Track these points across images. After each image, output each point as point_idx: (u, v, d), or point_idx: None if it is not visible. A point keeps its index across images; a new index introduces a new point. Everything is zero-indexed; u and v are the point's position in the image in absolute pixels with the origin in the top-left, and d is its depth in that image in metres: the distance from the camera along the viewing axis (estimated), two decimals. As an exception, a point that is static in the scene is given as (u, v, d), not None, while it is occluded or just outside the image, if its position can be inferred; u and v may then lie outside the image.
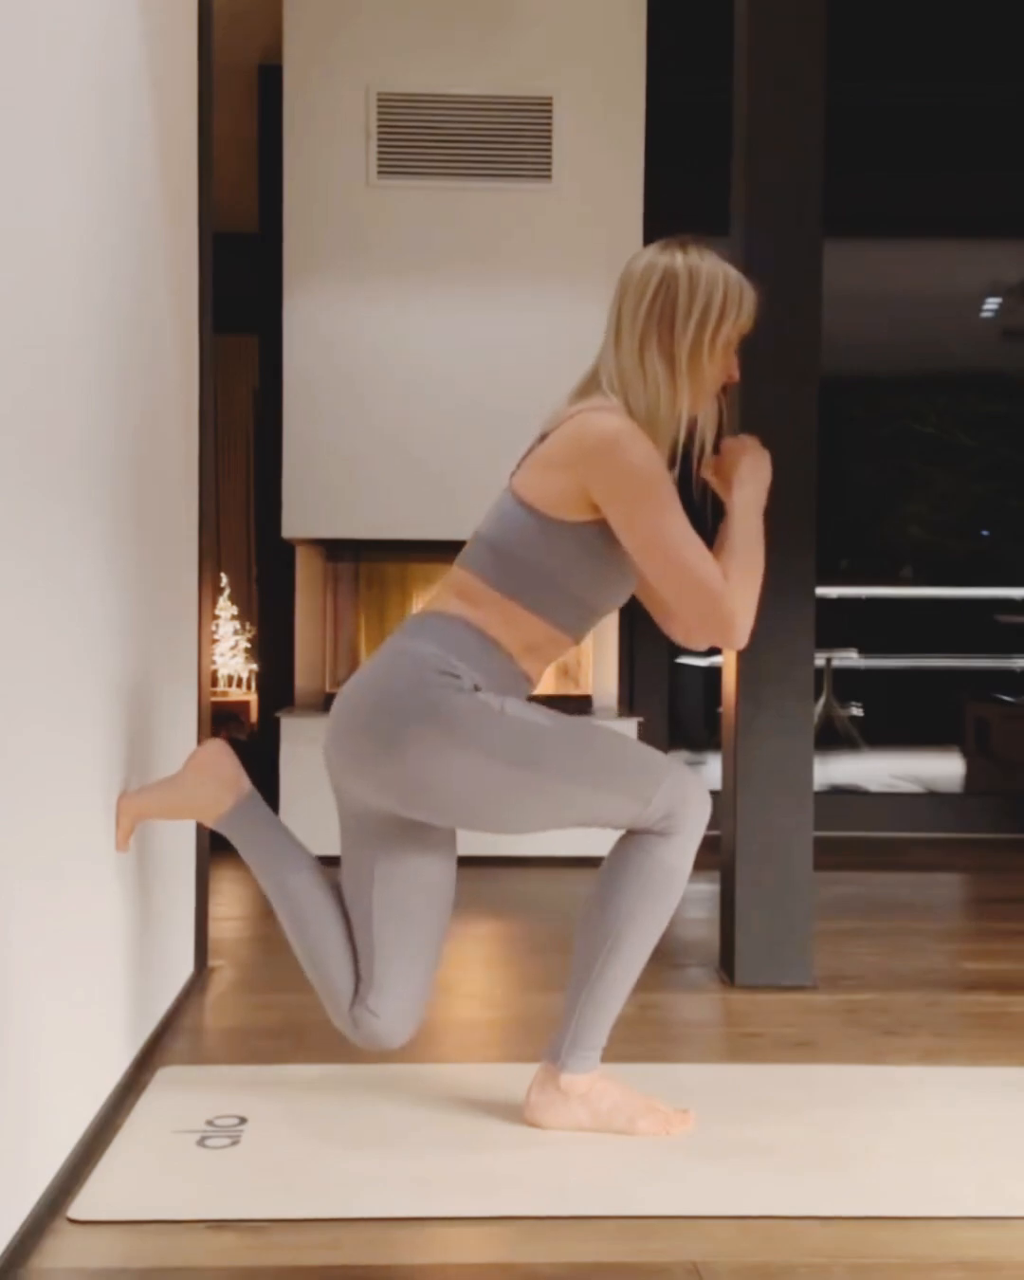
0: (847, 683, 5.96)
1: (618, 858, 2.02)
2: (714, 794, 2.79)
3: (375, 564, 4.52)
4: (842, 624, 5.76)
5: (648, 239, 3.86)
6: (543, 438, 2.03)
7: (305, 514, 4.31)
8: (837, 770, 5.70)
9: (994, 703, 5.74)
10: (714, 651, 3.94)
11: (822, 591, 2.90)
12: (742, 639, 1.96)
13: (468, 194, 4.30)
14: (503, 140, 4.28)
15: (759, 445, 2.11)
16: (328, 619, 4.54)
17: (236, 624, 6.79)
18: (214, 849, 3.07)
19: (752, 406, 2.85)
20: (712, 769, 5.35)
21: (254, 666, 6.20)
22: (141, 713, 2.29)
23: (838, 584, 5.73)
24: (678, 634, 2.19)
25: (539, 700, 2.13)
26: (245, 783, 2.16)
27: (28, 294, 1.61)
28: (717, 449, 2.11)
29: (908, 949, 3.23)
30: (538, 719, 1.97)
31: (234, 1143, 1.95)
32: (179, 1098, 2.13)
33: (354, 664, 4.52)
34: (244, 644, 6.73)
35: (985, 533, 6.12)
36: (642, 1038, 2.49)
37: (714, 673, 5.16)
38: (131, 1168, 1.86)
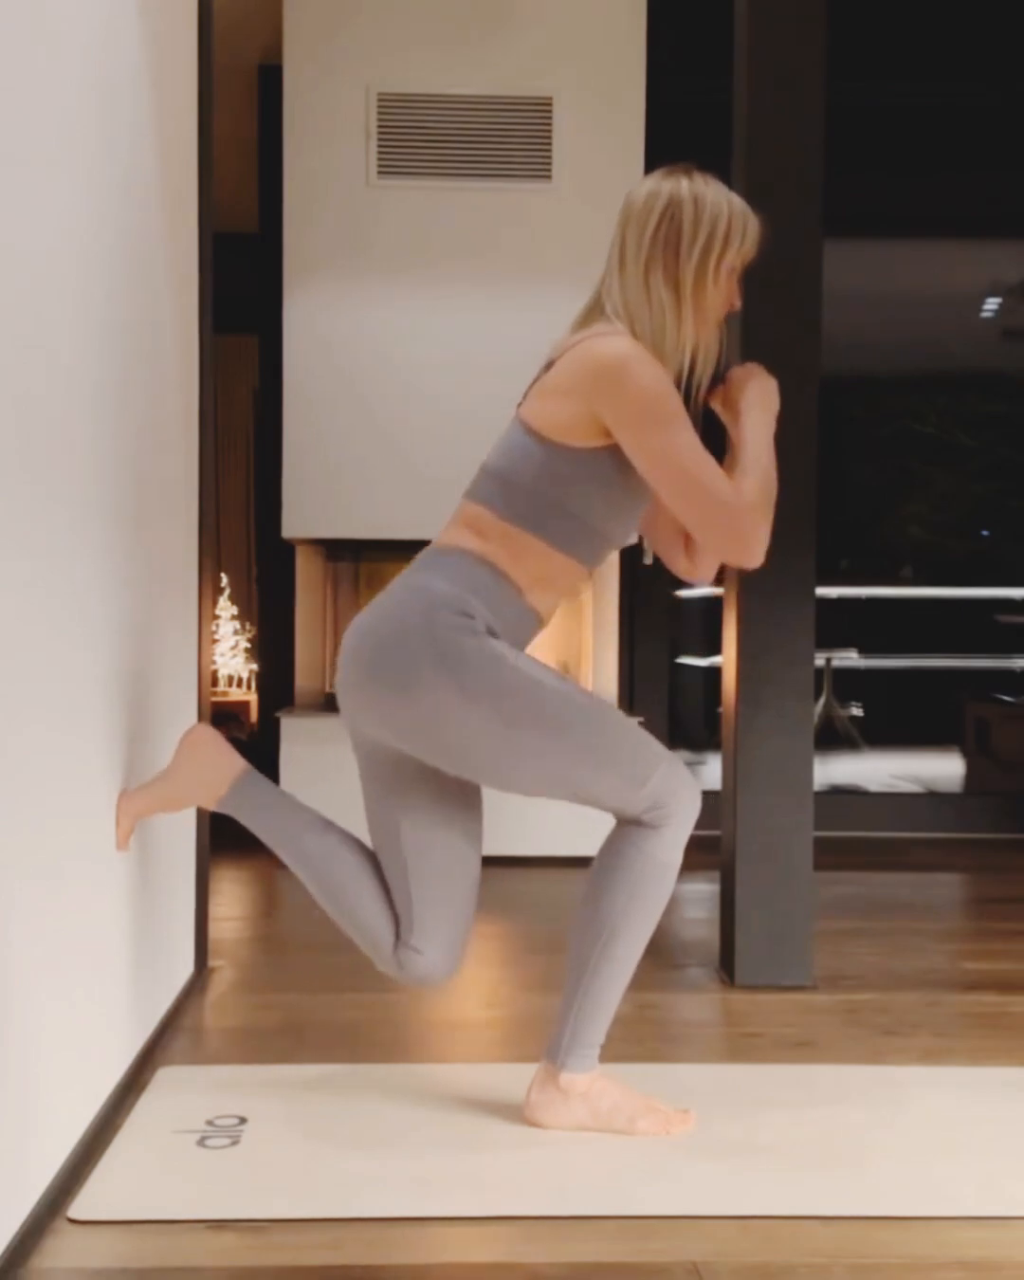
0: (847, 683, 5.96)
1: (608, 854, 2.02)
2: (714, 794, 2.79)
3: (375, 564, 4.51)
4: (842, 624, 5.76)
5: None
6: (548, 366, 2.02)
7: (305, 514, 4.31)
8: (837, 770, 5.70)
9: (994, 703, 5.75)
10: (714, 651, 3.94)
11: (822, 591, 2.90)
12: (758, 555, 1.94)
13: (467, 194, 4.30)
14: (502, 140, 4.28)
15: (765, 372, 2.08)
16: (328, 619, 4.54)
17: (236, 624, 6.80)
18: (214, 849, 3.08)
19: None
20: (712, 769, 5.36)
21: (254, 666, 6.20)
22: (142, 713, 2.29)
23: (838, 584, 5.73)
24: (682, 567, 2.18)
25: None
26: (238, 761, 2.15)
27: (28, 294, 1.61)
28: (720, 379, 2.08)
29: (908, 949, 3.23)
30: (551, 683, 1.95)
31: (234, 1143, 1.95)
32: (179, 1098, 2.13)
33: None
34: (244, 644, 6.73)
35: (985, 533, 6.12)
36: (641, 1038, 2.49)
37: (714, 673, 5.16)
38: (131, 1168, 1.86)
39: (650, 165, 4.31)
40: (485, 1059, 2.39)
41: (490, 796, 2.27)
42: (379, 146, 4.28)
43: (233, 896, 3.73)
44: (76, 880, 1.86)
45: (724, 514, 1.91)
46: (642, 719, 4.36)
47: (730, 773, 2.92)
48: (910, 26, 4.71)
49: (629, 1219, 1.73)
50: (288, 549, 4.69)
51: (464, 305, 4.30)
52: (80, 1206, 1.73)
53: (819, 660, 5.62)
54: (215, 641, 6.47)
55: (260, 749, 4.54)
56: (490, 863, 4.08)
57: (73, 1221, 1.70)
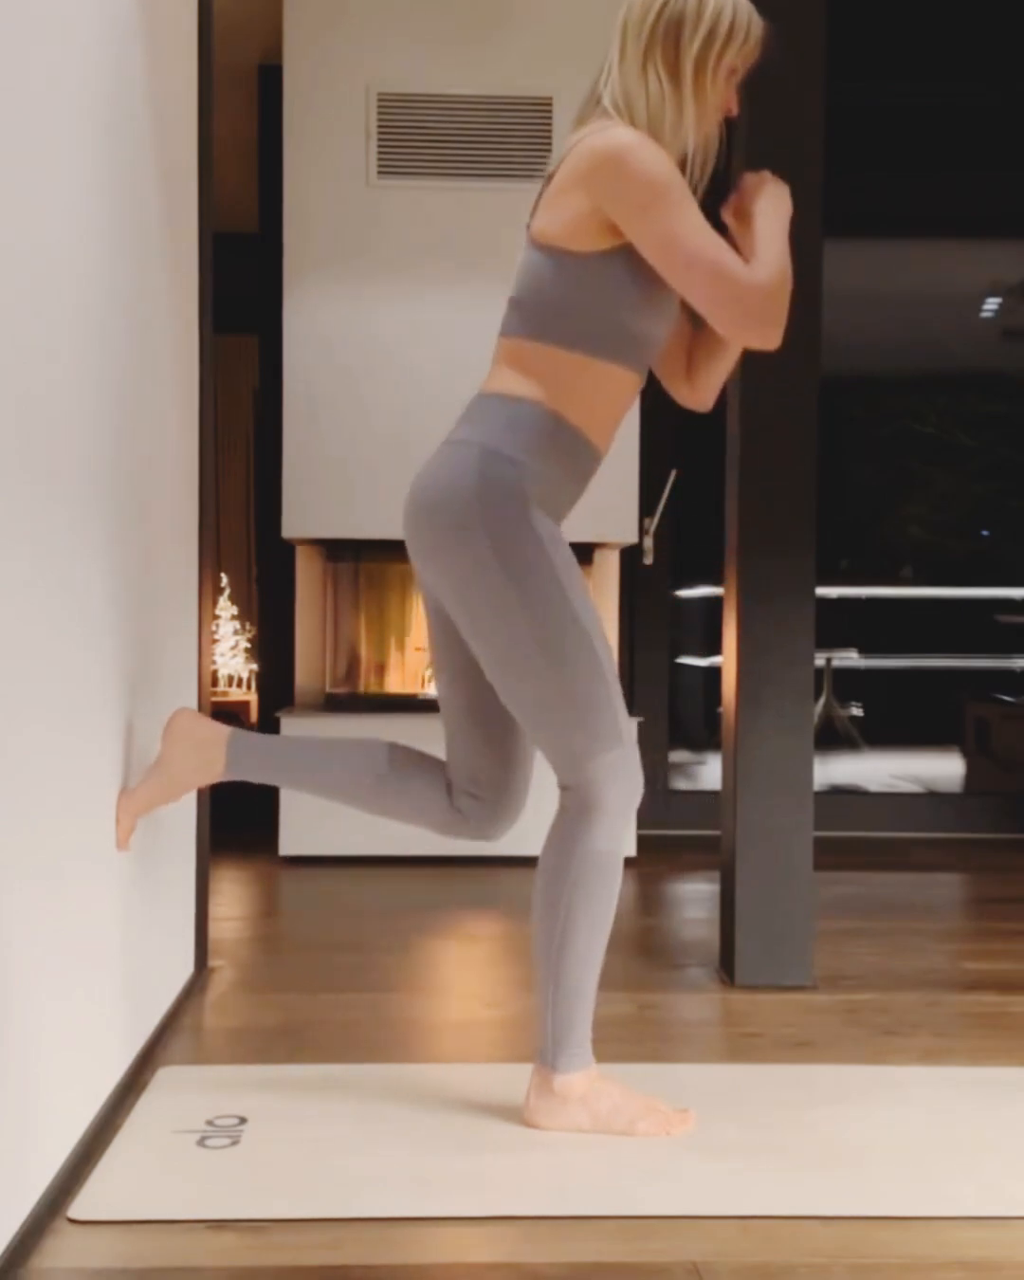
0: (847, 683, 5.95)
1: (549, 852, 2.03)
2: (714, 794, 2.79)
3: (375, 564, 4.52)
4: (842, 624, 5.75)
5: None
6: (550, 179, 2.02)
7: (305, 514, 4.31)
8: (837, 770, 5.70)
9: (994, 703, 5.74)
10: (714, 651, 3.94)
11: (822, 591, 2.90)
12: (775, 336, 1.90)
13: (467, 194, 4.30)
14: (502, 140, 4.29)
15: (776, 178, 2.05)
16: (328, 619, 4.54)
17: (236, 624, 6.80)
18: (214, 849, 3.08)
19: (752, 407, 2.85)
20: (711, 769, 5.36)
21: (254, 666, 6.20)
22: (141, 713, 2.29)
23: (838, 584, 5.72)
24: (682, 393, 2.18)
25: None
26: (221, 729, 2.15)
27: (28, 294, 1.62)
28: (718, 185, 2.05)
29: (908, 949, 3.23)
30: (575, 600, 1.95)
31: (234, 1143, 1.95)
32: (179, 1098, 2.13)
33: (354, 663, 4.52)
34: (244, 644, 6.73)
35: (985, 533, 6.11)
36: (641, 1038, 2.49)
37: (714, 673, 5.16)
38: (131, 1168, 1.86)
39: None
40: (485, 1059, 2.39)
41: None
42: (379, 146, 4.29)
43: (233, 896, 3.73)
44: (76, 880, 1.86)
45: (735, 287, 1.86)
46: (642, 719, 4.36)
47: (730, 773, 2.92)
48: (910, 26, 4.71)
49: (629, 1219, 1.73)
50: (288, 549, 4.69)
51: (464, 305, 4.30)
52: (80, 1206, 1.73)
53: (819, 660, 5.61)
54: (215, 641, 6.47)
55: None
56: (490, 863, 4.11)
57: (73, 1221, 1.70)
